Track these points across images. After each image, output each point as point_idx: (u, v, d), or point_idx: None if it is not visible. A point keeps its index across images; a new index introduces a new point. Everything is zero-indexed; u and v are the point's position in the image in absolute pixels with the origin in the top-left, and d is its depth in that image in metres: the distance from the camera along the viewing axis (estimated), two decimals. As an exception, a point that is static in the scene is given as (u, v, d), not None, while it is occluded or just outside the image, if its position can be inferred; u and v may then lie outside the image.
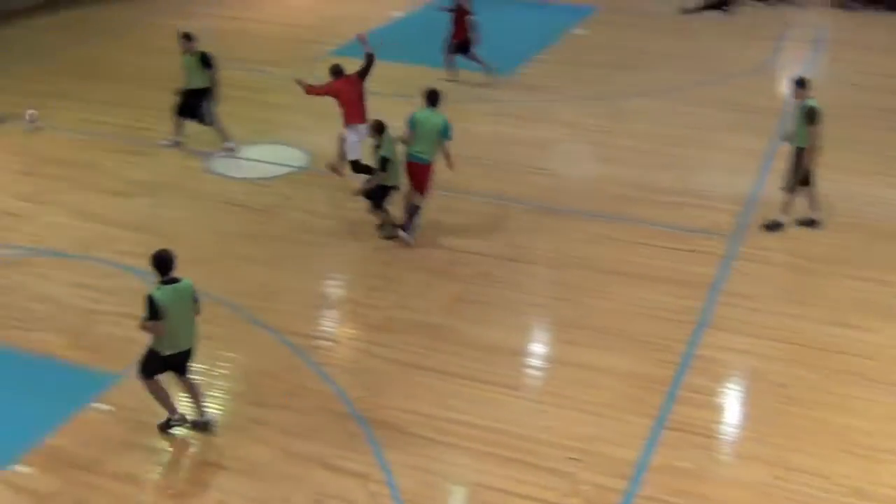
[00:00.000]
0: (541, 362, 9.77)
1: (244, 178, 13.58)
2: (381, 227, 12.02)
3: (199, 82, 13.90)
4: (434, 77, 16.43)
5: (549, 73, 18.38)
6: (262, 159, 14.24)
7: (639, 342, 9.83)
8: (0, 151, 14.35)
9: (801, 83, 11.61)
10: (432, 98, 11.77)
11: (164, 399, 8.45)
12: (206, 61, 13.81)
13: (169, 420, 8.53)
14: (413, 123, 11.64)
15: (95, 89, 16.87)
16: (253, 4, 23.31)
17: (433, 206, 12.69)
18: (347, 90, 12.82)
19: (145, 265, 10.95)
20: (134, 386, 8.98)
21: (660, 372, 9.37)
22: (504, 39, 20.61)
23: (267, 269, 11.22)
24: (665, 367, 9.43)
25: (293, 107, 16.14)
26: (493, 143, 14.92)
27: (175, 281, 8.05)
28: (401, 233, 11.73)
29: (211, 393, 9.05)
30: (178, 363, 8.35)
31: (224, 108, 14.56)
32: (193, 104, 14.06)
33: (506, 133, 15.38)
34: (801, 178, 11.72)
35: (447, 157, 11.80)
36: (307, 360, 9.54)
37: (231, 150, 14.30)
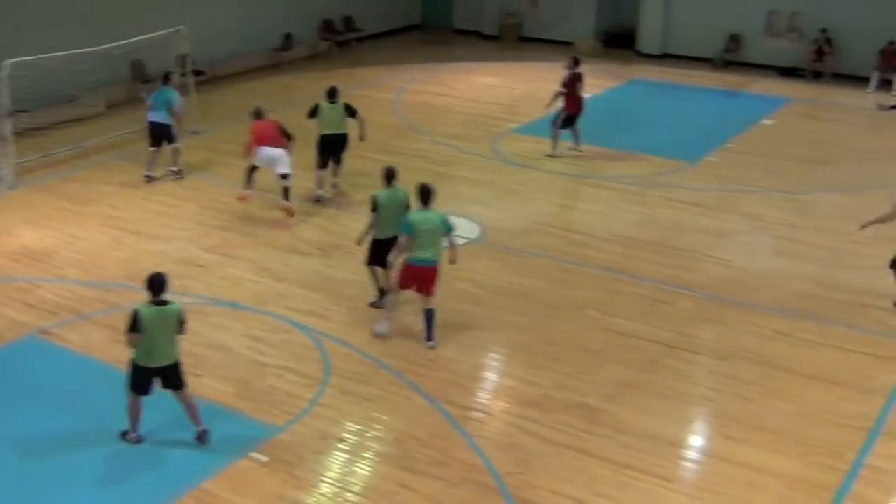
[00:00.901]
0: (699, 456, 9.38)
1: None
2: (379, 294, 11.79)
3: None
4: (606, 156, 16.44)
5: (736, 163, 17.97)
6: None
7: (807, 445, 9.30)
8: (194, 203, 15.16)
9: None
10: (425, 195, 10.93)
11: (133, 417, 9.19)
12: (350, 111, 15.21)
13: (126, 432, 9.25)
14: (409, 227, 10.78)
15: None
16: (443, 80, 23.99)
17: (603, 287, 12.56)
18: (258, 131, 14.22)
19: (313, 322, 11.49)
20: (292, 440, 9.24)
21: (826, 479, 8.82)
22: (693, 126, 20.44)
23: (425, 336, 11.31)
24: (832, 475, 8.87)
25: (474, 181, 16.44)
26: (672, 228, 14.66)
27: (164, 303, 8.85)
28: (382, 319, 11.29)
29: (362, 454, 9.16)
30: (166, 378, 9.06)
31: (403, 176, 14.96)
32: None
33: (685, 219, 15.10)
34: None
35: (453, 250, 11.16)
36: (460, 430, 9.51)
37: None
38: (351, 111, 15.10)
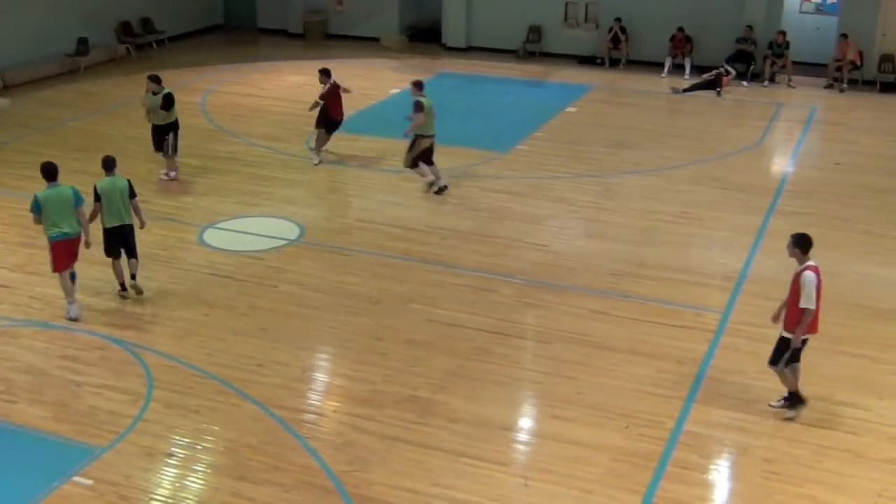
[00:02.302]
0: (530, 437, 9.64)
1: (235, 251, 13.57)
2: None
3: (159, 120, 15.78)
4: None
5: (544, 150, 18.51)
6: (255, 232, 14.27)
7: (629, 418, 9.71)
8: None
9: None
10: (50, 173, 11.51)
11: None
12: (168, 102, 15.63)
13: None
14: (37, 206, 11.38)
15: (93, 160, 16.95)
16: (251, 81, 23.61)
17: (425, 280, 12.70)
18: None
19: (129, 336, 11.10)
20: (118, 459, 8.92)
21: (649, 448, 9.23)
22: (502, 117, 20.90)
23: (255, 341, 11.14)
24: (654, 444, 9.30)
25: (288, 181, 16.28)
26: (488, 218, 14.96)
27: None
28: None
29: (193, 467, 8.93)
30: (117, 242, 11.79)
31: (219, 180, 14.68)
32: (158, 139, 15.89)
33: (500, 208, 15.44)
34: None
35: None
36: (293, 433, 9.41)
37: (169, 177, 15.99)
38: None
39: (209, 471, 8.91)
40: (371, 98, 22.00)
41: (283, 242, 13.89)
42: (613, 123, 20.47)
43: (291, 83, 23.57)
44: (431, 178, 15.79)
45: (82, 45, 24.08)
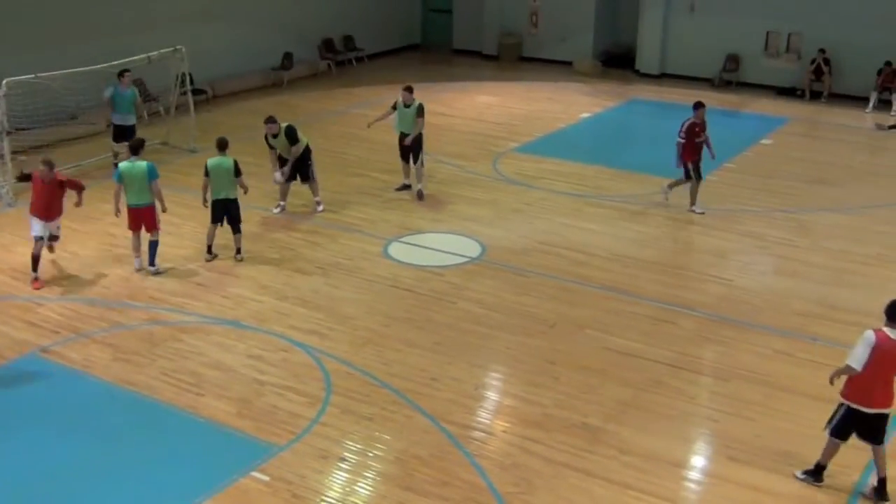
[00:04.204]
0: (702, 476, 9.34)
1: (417, 265, 13.83)
2: None
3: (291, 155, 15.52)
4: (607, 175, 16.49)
5: (735, 182, 18.00)
6: (438, 248, 14.50)
7: (808, 465, 9.26)
8: (193, 221, 15.11)
9: None
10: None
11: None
12: (291, 135, 15.36)
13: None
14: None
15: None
16: (443, 100, 24.04)
17: (603, 307, 12.56)
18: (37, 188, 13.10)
19: (312, 341, 11.48)
20: (294, 459, 9.22)
21: (830, 499, 8.80)
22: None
23: (430, 355, 11.30)
24: (836, 495, 8.85)
25: (473, 200, 16.47)
26: (672, 248, 14.66)
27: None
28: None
29: (363, 473, 9.14)
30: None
31: (405, 195, 15.07)
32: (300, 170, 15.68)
33: (686, 238, 15.10)
34: None
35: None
36: (461, 449, 9.48)
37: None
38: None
39: (378, 478, 9.09)
40: (560, 121, 22.07)
41: (465, 260, 14.05)
42: (811, 158, 19.70)
43: (481, 103, 23.87)
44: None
45: (287, 60, 25.23)
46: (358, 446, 9.51)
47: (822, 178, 18.25)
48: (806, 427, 9.92)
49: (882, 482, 8.80)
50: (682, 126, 15.83)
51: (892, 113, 22.94)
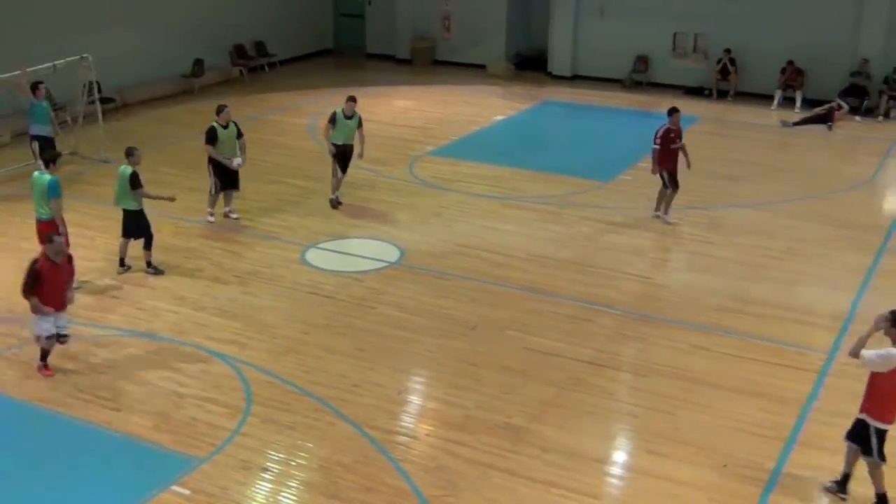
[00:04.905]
0: (624, 471, 9.47)
1: (336, 271, 13.75)
2: None
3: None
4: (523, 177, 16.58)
5: (648, 181, 18.28)
6: (357, 253, 14.44)
7: (728, 457, 9.47)
8: (109, 234, 14.80)
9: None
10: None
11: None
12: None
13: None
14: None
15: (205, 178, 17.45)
16: (358, 105, 23.91)
17: (523, 308, 12.65)
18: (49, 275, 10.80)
19: (230, 350, 11.33)
20: (215, 471, 9.08)
21: (747, 489, 8.98)
22: (605, 146, 20.76)
23: (351, 361, 11.24)
24: (753, 484, 9.05)
25: (391, 204, 16.45)
26: (589, 247, 14.85)
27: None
28: None
29: (287, 483, 9.04)
30: None
31: (323, 201, 14.97)
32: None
33: (601, 238, 15.31)
34: None
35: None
36: (386, 454, 9.45)
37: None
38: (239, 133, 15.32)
39: (302, 487, 9.01)
40: (476, 124, 22.19)
41: (384, 264, 14.02)
42: (720, 156, 20.12)
43: (398, 107, 23.86)
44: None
45: (197, 67, 24.84)
46: (281, 456, 9.41)
47: (732, 175, 18.68)
48: (723, 419, 10.14)
49: (846, 477, 8.93)
50: (657, 132, 15.75)
51: (796, 110, 23.59)
